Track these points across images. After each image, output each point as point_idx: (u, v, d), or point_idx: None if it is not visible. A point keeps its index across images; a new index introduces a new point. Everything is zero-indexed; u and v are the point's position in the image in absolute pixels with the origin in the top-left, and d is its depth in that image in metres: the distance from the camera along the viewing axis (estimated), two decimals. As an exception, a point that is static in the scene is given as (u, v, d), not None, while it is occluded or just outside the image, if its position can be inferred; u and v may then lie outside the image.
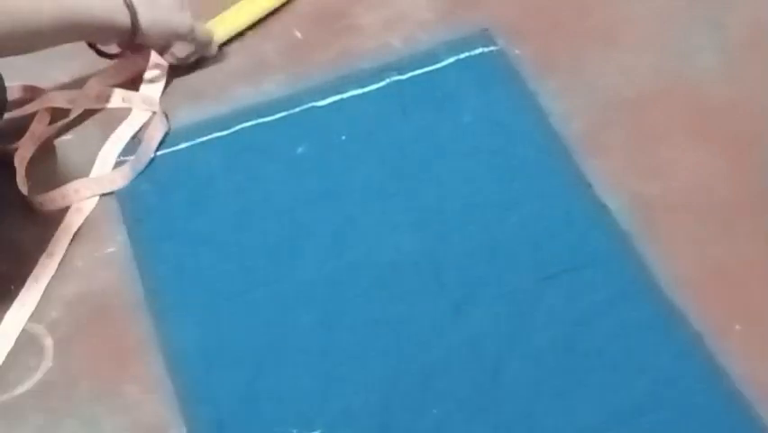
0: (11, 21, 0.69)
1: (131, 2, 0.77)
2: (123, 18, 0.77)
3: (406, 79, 0.81)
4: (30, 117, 0.80)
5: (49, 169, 0.79)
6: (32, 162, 0.78)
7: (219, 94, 0.82)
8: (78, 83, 0.82)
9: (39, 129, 0.79)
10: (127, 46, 0.81)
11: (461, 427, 0.64)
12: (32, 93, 0.81)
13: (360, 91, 0.81)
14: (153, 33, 0.79)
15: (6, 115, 0.79)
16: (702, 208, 0.73)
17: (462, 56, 0.83)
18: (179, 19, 0.81)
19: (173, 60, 0.82)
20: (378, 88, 0.81)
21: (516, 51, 0.83)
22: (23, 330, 0.70)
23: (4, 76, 0.76)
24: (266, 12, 0.86)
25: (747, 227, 0.72)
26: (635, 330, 0.67)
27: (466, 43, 0.83)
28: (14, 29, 0.70)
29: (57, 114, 0.81)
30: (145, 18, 0.77)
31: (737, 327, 0.67)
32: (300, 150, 0.78)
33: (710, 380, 0.65)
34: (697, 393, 0.64)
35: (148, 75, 0.82)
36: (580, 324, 0.67)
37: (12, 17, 0.70)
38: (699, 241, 0.71)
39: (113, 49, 0.82)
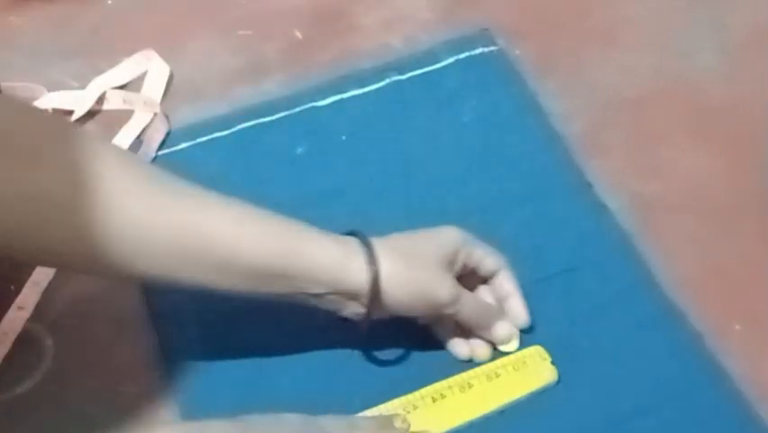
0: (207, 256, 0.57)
1: (374, 254, 0.59)
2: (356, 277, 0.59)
3: (406, 79, 0.81)
4: (30, 117, 0.80)
5: (49, 169, 0.79)
6: (33, 162, 0.78)
7: (219, 94, 0.82)
8: (79, 83, 0.82)
9: (39, 129, 0.79)
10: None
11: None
12: (31, 93, 0.81)
13: (360, 91, 0.81)
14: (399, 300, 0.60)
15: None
16: (702, 208, 0.73)
17: (462, 56, 0.83)
18: (439, 282, 0.61)
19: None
20: (378, 88, 0.81)
21: (516, 51, 0.83)
22: (23, 330, 0.69)
23: (4, 76, 0.76)
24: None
25: (747, 227, 0.72)
26: (635, 330, 0.67)
27: (466, 43, 0.83)
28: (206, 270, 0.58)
29: (57, 114, 0.81)
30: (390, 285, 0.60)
31: (737, 327, 0.67)
32: (300, 150, 0.78)
33: (710, 380, 0.65)
34: (697, 393, 0.64)
35: (149, 76, 0.82)
36: (580, 324, 0.67)
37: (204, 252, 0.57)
38: (699, 241, 0.71)
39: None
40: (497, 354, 0.66)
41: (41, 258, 0.62)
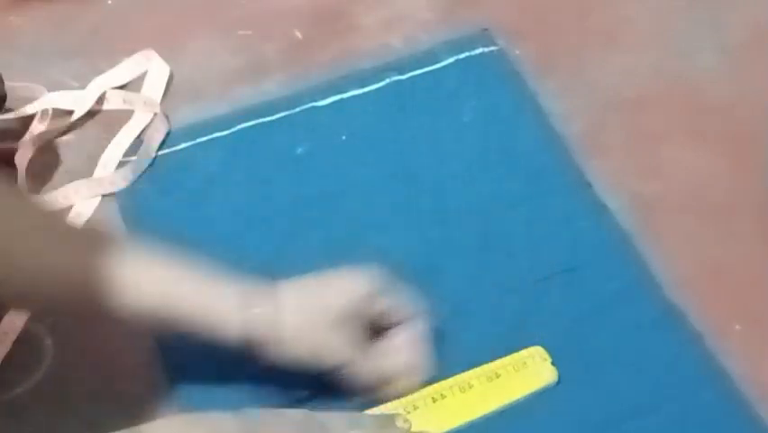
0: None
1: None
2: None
3: (406, 79, 0.81)
4: (30, 117, 0.80)
5: (49, 169, 0.79)
6: (33, 163, 0.78)
7: (219, 94, 0.82)
8: (79, 83, 0.82)
9: (39, 129, 0.79)
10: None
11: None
12: (32, 93, 0.81)
13: (360, 91, 0.81)
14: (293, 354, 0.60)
15: (6, 115, 0.79)
16: (702, 208, 0.73)
17: (462, 56, 0.83)
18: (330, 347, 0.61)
19: None
20: (378, 88, 0.81)
21: (516, 51, 0.83)
22: (23, 330, 0.69)
23: (4, 76, 0.76)
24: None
25: (747, 227, 0.72)
26: (635, 330, 0.67)
27: (466, 43, 0.83)
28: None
29: (57, 114, 0.81)
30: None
31: (737, 327, 0.67)
32: (300, 150, 0.78)
33: (710, 380, 0.65)
34: (697, 393, 0.64)
35: (149, 76, 0.82)
36: (580, 324, 0.67)
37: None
38: (699, 241, 0.71)
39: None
40: (497, 354, 0.66)
41: None
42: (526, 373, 0.64)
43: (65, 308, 0.61)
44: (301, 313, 0.60)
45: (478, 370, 0.65)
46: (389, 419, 0.61)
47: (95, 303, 0.57)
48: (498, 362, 0.65)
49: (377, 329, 0.63)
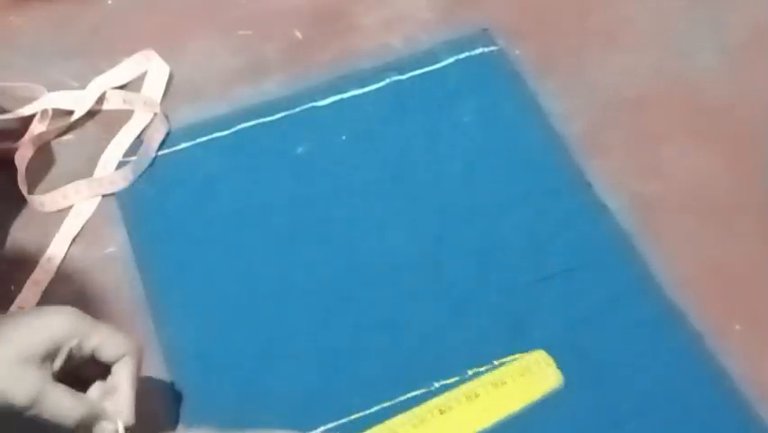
0: None
1: None
2: None
3: (406, 79, 0.81)
4: (30, 117, 0.80)
5: (49, 169, 0.79)
6: (33, 163, 0.78)
7: (219, 94, 0.82)
8: (79, 83, 0.82)
9: (39, 129, 0.79)
10: None
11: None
12: (31, 93, 0.81)
13: (360, 91, 0.81)
14: None
15: (6, 115, 0.79)
16: (702, 208, 0.73)
17: (462, 56, 0.83)
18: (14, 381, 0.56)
19: None
20: (378, 88, 0.81)
21: (516, 51, 0.83)
22: (23, 330, 0.69)
23: (4, 76, 0.76)
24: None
25: (747, 227, 0.72)
26: (635, 330, 0.67)
27: (466, 43, 0.83)
28: None
29: (57, 114, 0.81)
30: None
31: (737, 327, 0.67)
32: (300, 150, 0.78)
33: (710, 380, 0.65)
34: (697, 393, 0.64)
35: (149, 76, 0.82)
36: (580, 324, 0.67)
37: None
38: (699, 241, 0.71)
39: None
40: (497, 354, 0.66)
41: None
42: (532, 378, 0.64)
43: None
44: None
45: (483, 378, 0.64)
46: None
47: None
48: (504, 369, 0.65)
49: (82, 375, 0.60)
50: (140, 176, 0.77)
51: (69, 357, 0.58)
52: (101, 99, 0.81)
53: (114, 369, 0.59)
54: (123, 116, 0.81)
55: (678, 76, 0.81)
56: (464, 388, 0.64)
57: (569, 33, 0.84)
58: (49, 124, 0.80)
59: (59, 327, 0.58)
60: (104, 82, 0.82)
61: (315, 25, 0.86)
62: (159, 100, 0.81)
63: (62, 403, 0.57)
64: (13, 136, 0.79)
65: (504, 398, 0.63)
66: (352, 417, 0.64)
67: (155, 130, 0.79)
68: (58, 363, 0.58)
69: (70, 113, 0.81)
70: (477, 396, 0.63)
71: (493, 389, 0.64)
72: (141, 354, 0.60)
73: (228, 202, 0.75)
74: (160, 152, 0.78)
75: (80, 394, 0.58)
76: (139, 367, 0.60)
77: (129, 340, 0.60)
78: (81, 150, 0.79)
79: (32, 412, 0.56)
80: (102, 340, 0.59)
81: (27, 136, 0.79)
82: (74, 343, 0.58)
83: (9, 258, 0.73)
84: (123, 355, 0.59)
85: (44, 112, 0.80)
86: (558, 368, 0.65)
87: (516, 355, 0.66)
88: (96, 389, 0.60)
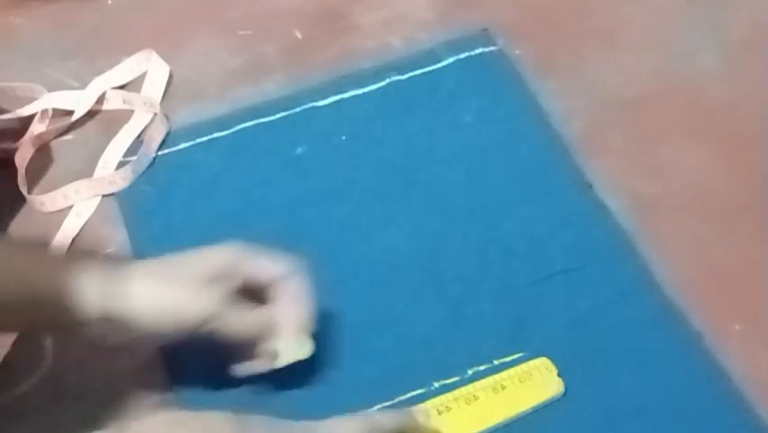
0: None
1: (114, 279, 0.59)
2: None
3: (406, 79, 0.81)
4: (30, 117, 0.80)
5: (49, 169, 0.79)
6: (33, 163, 0.78)
7: (219, 94, 0.82)
8: (79, 83, 0.82)
9: (39, 129, 0.79)
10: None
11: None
12: (31, 93, 0.81)
13: (360, 91, 0.81)
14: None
15: (6, 115, 0.79)
16: (702, 208, 0.73)
17: (462, 56, 0.83)
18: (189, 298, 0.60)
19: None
20: (378, 88, 0.81)
21: (516, 51, 0.83)
22: (23, 330, 0.70)
23: (4, 76, 0.76)
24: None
25: (747, 227, 0.72)
26: (635, 330, 0.67)
27: (466, 43, 0.83)
28: None
29: (57, 114, 0.81)
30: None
31: (737, 327, 0.67)
32: (300, 150, 0.78)
33: (710, 380, 0.65)
34: (697, 393, 0.64)
35: (149, 76, 0.82)
36: (580, 324, 0.67)
37: None
38: (699, 241, 0.71)
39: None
40: (497, 354, 0.66)
41: None
42: (532, 384, 0.64)
43: None
44: (151, 277, 0.60)
45: (483, 381, 0.64)
46: (409, 416, 0.61)
47: None
48: (504, 373, 0.65)
49: (253, 293, 0.62)
50: (140, 176, 0.77)
51: (235, 281, 0.61)
52: (101, 99, 0.81)
53: (285, 285, 0.62)
54: (123, 116, 0.81)
55: (678, 76, 0.81)
56: (463, 390, 0.64)
57: (569, 33, 0.84)
58: (49, 124, 0.80)
59: (226, 255, 0.61)
60: (104, 82, 0.82)
61: (315, 25, 0.86)
62: (159, 100, 0.81)
63: (235, 321, 0.60)
64: (13, 136, 0.79)
65: (503, 402, 0.63)
66: (352, 417, 0.64)
67: (155, 130, 0.79)
68: (232, 284, 0.61)
69: (70, 113, 0.81)
70: (476, 399, 0.63)
71: (492, 393, 0.64)
72: (304, 272, 0.62)
73: (228, 202, 0.75)
74: (159, 152, 0.78)
75: (255, 308, 0.62)
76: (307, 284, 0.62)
77: (292, 260, 0.62)
78: (81, 150, 0.79)
79: (207, 328, 0.60)
80: (268, 260, 0.62)
81: (27, 136, 0.79)
82: (245, 266, 0.61)
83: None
84: (291, 273, 0.62)
85: (44, 112, 0.80)
86: (560, 376, 0.65)
87: (516, 355, 0.66)
88: (267, 308, 0.62)
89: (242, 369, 0.63)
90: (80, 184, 0.76)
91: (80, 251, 0.61)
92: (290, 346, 0.62)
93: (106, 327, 0.60)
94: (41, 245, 0.62)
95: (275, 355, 0.62)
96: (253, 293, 0.62)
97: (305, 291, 0.62)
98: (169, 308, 0.60)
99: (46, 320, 0.60)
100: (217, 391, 0.66)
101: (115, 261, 0.62)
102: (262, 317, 0.62)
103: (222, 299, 0.60)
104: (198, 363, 0.67)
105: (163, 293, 0.60)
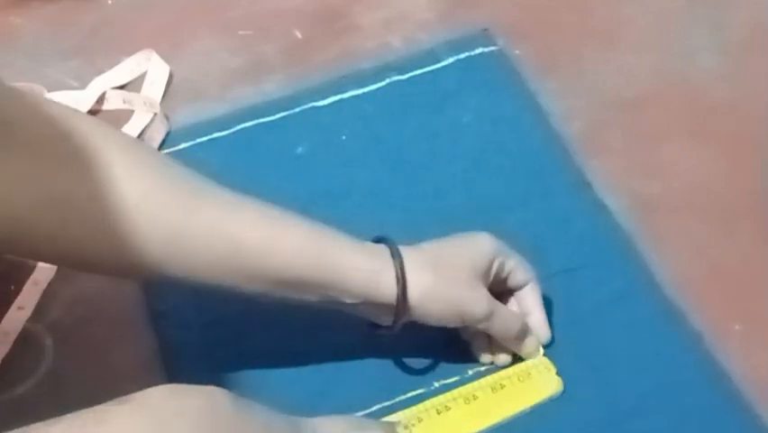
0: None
1: (404, 268, 0.59)
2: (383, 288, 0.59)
3: (406, 79, 0.81)
4: (30, 117, 0.80)
5: (49, 169, 0.79)
6: (33, 162, 0.78)
7: (219, 94, 0.82)
8: (79, 83, 0.82)
9: (39, 129, 0.79)
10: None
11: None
12: (32, 92, 0.81)
13: (360, 91, 0.81)
14: (430, 313, 0.61)
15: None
16: (702, 208, 0.73)
17: (462, 56, 0.83)
18: (472, 297, 0.61)
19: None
20: (378, 88, 0.81)
21: (516, 51, 0.83)
22: (23, 330, 0.70)
23: (4, 76, 0.76)
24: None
25: (747, 227, 0.72)
26: (635, 330, 0.67)
27: (466, 43, 0.83)
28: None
29: (57, 114, 0.81)
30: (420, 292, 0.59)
31: (737, 327, 0.67)
32: (300, 150, 0.78)
33: (710, 380, 0.64)
34: (697, 393, 0.64)
35: (149, 76, 0.82)
36: (580, 324, 0.67)
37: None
38: (699, 241, 0.71)
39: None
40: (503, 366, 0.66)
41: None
42: (531, 383, 0.64)
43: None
44: (432, 272, 0.60)
45: (482, 381, 0.64)
46: (390, 426, 0.61)
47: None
48: (503, 372, 0.65)
49: (495, 291, 0.63)
50: (140, 176, 0.77)
51: (492, 278, 0.62)
52: (101, 99, 0.81)
53: (523, 293, 0.64)
54: (123, 116, 0.81)
55: (678, 76, 0.81)
56: (462, 390, 0.64)
57: (569, 33, 0.84)
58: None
59: (490, 248, 0.62)
60: (104, 82, 0.82)
61: (315, 25, 0.86)
62: (159, 100, 0.81)
63: (504, 318, 0.62)
64: (13, 136, 0.79)
65: (501, 401, 0.63)
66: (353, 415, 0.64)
67: (155, 130, 0.79)
68: (489, 279, 0.62)
69: (70, 113, 0.80)
70: (475, 398, 0.63)
71: (491, 392, 0.63)
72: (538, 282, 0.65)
73: (228, 202, 0.75)
74: (159, 152, 0.78)
75: (515, 312, 0.64)
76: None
77: (532, 268, 0.64)
78: (81, 150, 0.79)
79: (483, 325, 0.61)
80: (517, 263, 0.63)
81: (27, 136, 0.79)
82: (500, 263, 0.62)
83: (9, 258, 0.73)
84: (530, 281, 0.64)
85: (44, 112, 0.80)
86: (558, 375, 0.64)
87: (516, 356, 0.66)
88: (514, 306, 0.65)
89: (487, 359, 0.65)
90: (80, 184, 0.76)
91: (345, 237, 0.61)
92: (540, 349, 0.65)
93: (376, 312, 0.61)
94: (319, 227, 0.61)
95: (533, 355, 0.65)
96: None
97: (540, 303, 0.65)
98: (453, 306, 0.61)
99: (308, 297, 0.60)
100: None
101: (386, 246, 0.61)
102: (521, 321, 0.63)
103: (490, 297, 0.61)
104: (199, 363, 0.67)
105: (445, 290, 0.60)
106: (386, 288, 0.59)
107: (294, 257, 0.58)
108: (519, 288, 0.65)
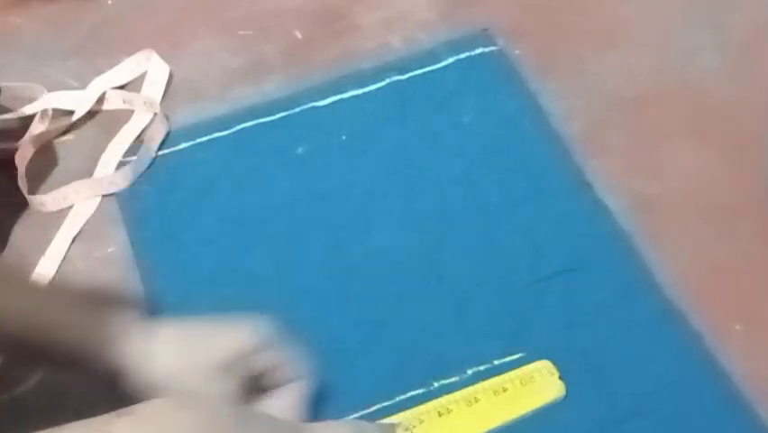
0: None
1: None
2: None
3: (406, 79, 0.81)
4: (30, 117, 0.80)
5: (49, 169, 0.79)
6: (33, 163, 0.78)
7: (219, 94, 0.82)
8: (79, 83, 0.82)
9: (39, 129, 0.79)
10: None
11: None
12: (32, 93, 0.81)
13: (360, 91, 0.81)
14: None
15: (6, 115, 0.79)
16: (702, 208, 0.73)
17: (462, 56, 0.83)
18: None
19: None
20: (378, 88, 0.81)
21: (516, 51, 0.83)
22: (23, 330, 0.69)
23: (4, 76, 0.76)
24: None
25: (747, 227, 0.72)
26: (635, 330, 0.67)
27: (466, 43, 0.83)
28: None
29: (57, 114, 0.81)
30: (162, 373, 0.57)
31: (737, 327, 0.67)
32: (300, 150, 0.78)
33: (710, 380, 0.64)
34: (697, 393, 0.64)
35: (149, 76, 0.82)
36: (580, 324, 0.67)
37: None
38: (699, 241, 0.71)
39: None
40: (497, 354, 0.66)
41: None
42: (533, 387, 0.64)
43: None
44: (177, 354, 0.58)
45: (485, 384, 0.64)
46: (391, 428, 0.60)
47: None
48: (506, 375, 0.64)
49: (256, 387, 0.59)
50: (140, 176, 0.77)
51: (249, 372, 0.58)
52: (101, 99, 0.81)
53: (279, 391, 0.60)
54: (123, 116, 0.81)
55: (678, 76, 0.81)
56: (464, 392, 0.64)
57: (569, 33, 0.84)
58: (49, 124, 0.80)
59: (247, 340, 0.58)
60: (104, 82, 0.82)
61: (315, 25, 0.86)
62: (159, 100, 0.81)
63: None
64: (13, 136, 0.79)
65: (503, 405, 0.63)
66: (352, 416, 0.64)
67: (155, 130, 0.79)
68: (238, 375, 0.58)
69: (70, 113, 0.81)
70: (477, 401, 0.63)
71: (493, 394, 0.63)
72: (307, 381, 0.60)
73: (228, 202, 0.75)
74: (159, 152, 0.78)
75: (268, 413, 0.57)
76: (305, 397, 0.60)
77: (303, 367, 0.60)
78: (81, 150, 0.79)
79: None
80: (280, 359, 0.59)
81: (27, 136, 0.79)
82: (257, 358, 0.58)
83: (9, 258, 0.73)
84: (296, 378, 0.60)
85: (44, 112, 0.80)
86: (561, 379, 0.64)
87: (516, 355, 0.66)
88: (271, 407, 0.59)
89: None
90: (80, 184, 0.76)
91: (113, 297, 0.61)
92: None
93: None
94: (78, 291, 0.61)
95: None
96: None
97: (299, 406, 0.60)
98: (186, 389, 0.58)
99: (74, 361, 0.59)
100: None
101: (142, 317, 0.60)
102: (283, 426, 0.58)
103: (233, 395, 0.58)
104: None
105: (186, 376, 0.57)
106: (128, 365, 0.58)
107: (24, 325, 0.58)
108: (282, 384, 0.60)
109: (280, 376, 0.60)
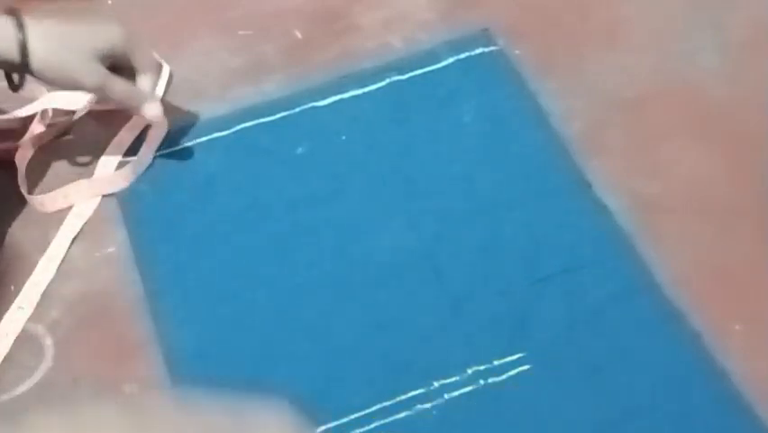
0: None
1: (24, 36, 0.68)
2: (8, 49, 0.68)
3: (407, 79, 0.81)
4: (30, 117, 0.80)
5: (49, 169, 0.79)
6: (33, 162, 0.78)
7: (219, 94, 0.82)
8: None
9: (39, 129, 0.79)
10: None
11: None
12: (32, 93, 0.81)
13: (360, 91, 0.81)
14: (49, 77, 0.71)
15: (6, 116, 0.79)
16: (702, 208, 0.73)
17: (463, 56, 0.83)
18: (87, 70, 0.71)
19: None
20: (378, 88, 0.81)
21: (516, 51, 0.83)
22: (23, 330, 0.70)
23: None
24: None
25: (747, 227, 0.72)
26: (635, 330, 0.67)
27: (466, 43, 0.83)
28: None
29: (57, 114, 0.81)
30: (39, 58, 0.69)
31: (737, 327, 0.67)
32: (300, 150, 0.78)
33: (710, 380, 0.65)
34: (697, 393, 0.64)
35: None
36: (579, 324, 0.67)
37: None
38: (699, 241, 0.71)
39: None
40: (496, 354, 0.66)
41: None
42: None
43: None
44: (49, 39, 0.69)
45: None
46: None
47: None
48: None
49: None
50: (140, 176, 0.77)
51: (112, 59, 0.72)
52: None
53: (140, 77, 0.74)
54: (124, 116, 0.80)
55: (678, 76, 0.81)
56: None
57: (569, 33, 0.84)
58: (49, 124, 0.80)
59: (113, 39, 0.72)
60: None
61: (315, 25, 0.86)
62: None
63: (119, 89, 0.73)
64: (13, 136, 0.79)
65: None
66: (352, 417, 0.64)
67: (155, 130, 0.79)
68: (109, 61, 0.72)
69: (70, 113, 0.80)
70: None
71: None
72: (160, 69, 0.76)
73: (228, 202, 0.75)
74: (159, 152, 0.78)
75: (132, 85, 0.74)
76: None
77: (158, 62, 0.76)
78: (81, 149, 0.79)
79: (99, 94, 0.73)
80: (140, 62, 0.74)
81: (27, 136, 0.79)
82: (123, 54, 0.72)
83: (9, 258, 0.73)
84: (149, 71, 0.75)
85: (44, 112, 0.80)
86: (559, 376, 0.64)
87: (516, 355, 0.66)
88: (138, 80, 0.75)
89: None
90: (80, 184, 0.76)
91: None
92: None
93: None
94: None
95: (156, 119, 0.75)
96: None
97: (155, 85, 0.75)
98: (67, 75, 0.70)
99: None
100: (217, 392, 0.66)
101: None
102: (136, 93, 0.74)
103: (107, 72, 0.71)
104: (198, 363, 0.67)
105: (61, 59, 0.70)
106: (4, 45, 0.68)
107: None
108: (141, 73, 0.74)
109: (138, 65, 0.74)
